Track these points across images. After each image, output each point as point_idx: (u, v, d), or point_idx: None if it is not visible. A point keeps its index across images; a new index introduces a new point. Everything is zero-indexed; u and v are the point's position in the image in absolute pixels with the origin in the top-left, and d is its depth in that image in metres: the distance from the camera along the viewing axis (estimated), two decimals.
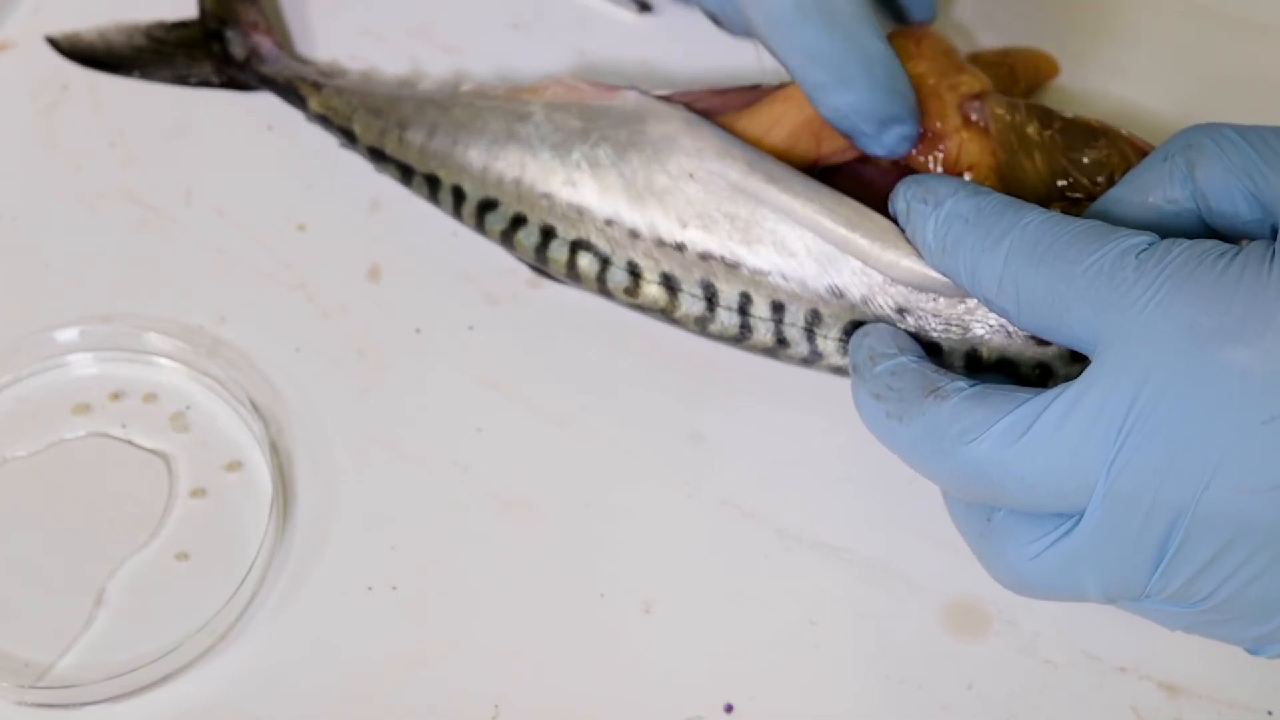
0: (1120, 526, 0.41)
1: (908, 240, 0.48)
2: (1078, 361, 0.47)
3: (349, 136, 0.57)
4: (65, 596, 0.50)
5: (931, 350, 0.49)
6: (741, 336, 0.52)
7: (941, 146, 0.51)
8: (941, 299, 0.48)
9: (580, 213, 0.52)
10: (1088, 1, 0.61)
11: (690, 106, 0.52)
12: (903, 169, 0.51)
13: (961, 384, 0.44)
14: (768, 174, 0.50)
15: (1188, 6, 0.61)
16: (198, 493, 0.52)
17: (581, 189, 0.52)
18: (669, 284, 0.52)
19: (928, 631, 0.50)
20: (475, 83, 0.56)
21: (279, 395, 0.54)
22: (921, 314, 0.49)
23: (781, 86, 0.52)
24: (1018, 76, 0.56)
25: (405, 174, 0.56)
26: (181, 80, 0.60)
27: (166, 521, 0.52)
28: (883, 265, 0.49)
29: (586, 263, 0.52)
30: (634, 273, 0.52)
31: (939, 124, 0.51)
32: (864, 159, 0.52)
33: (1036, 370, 0.49)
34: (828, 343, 0.50)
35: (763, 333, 0.51)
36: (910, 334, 0.49)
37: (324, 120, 0.58)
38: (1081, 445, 0.41)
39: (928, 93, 0.51)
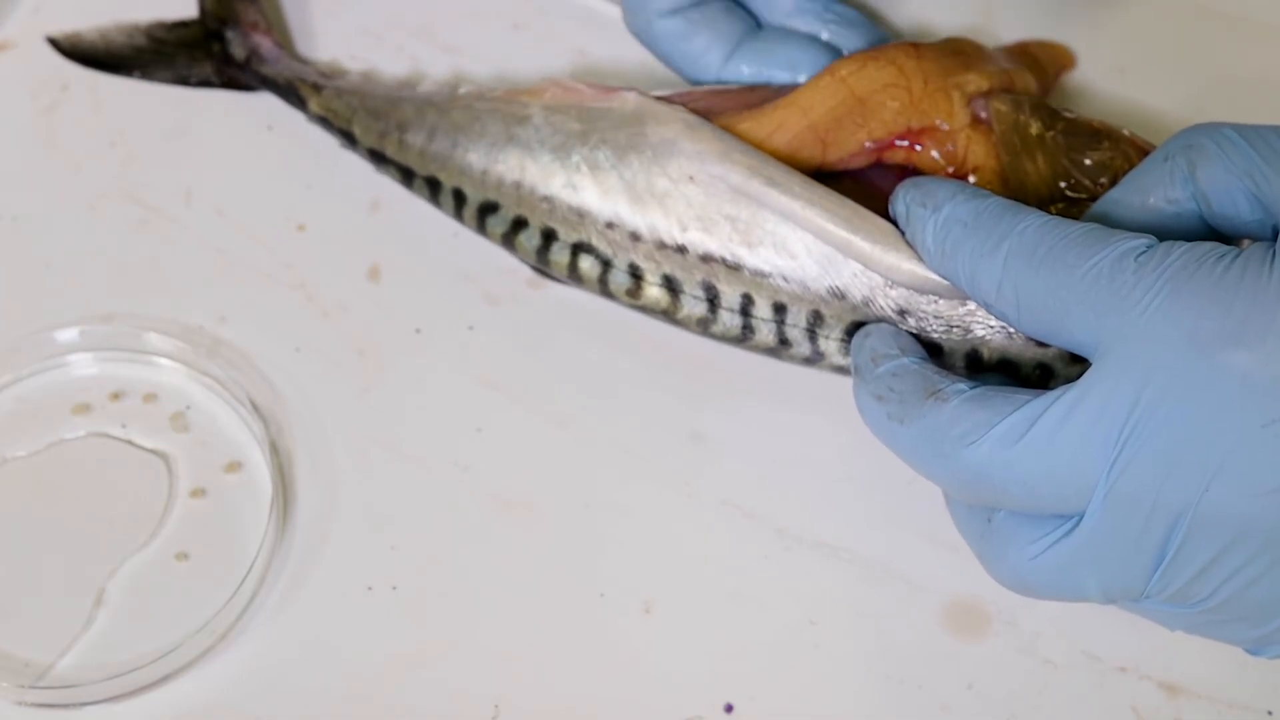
0: (1120, 528, 0.41)
1: (908, 243, 0.48)
2: (1079, 362, 0.47)
3: (349, 139, 0.57)
4: (65, 596, 0.50)
5: (933, 351, 0.49)
6: (744, 337, 0.52)
7: (948, 145, 0.51)
8: (942, 301, 0.48)
9: (581, 215, 0.52)
10: (1089, 1, 0.61)
11: (689, 107, 0.52)
12: (905, 171, 0.51)
13: (962, 386, 0.44)
14: (768, 177, 0.50)
15: (1189, 6, 0.61)
16: (198, 493, 0.52)
17: (582, 192, 0.52)
18: (671, 286, 0.52)
19: (928, 631, 0.50)
20: (474, 84, 0.56)
21: (279, 395, 0.54)
22: (923, 316, 0.49)
23: (785, 91, 0.52)
24: (1044, 67, 0.56)
25: (406, 176, 0.56)
26: (182, 81, 0.60)
27: (166, 521, 0.52)
28: (883, 268, 0.49)
29: (588, 265, 0.52)
30: (636, 275, 0.52)
31: (945, 123, 0.51)
32: (866, 164, 0.52)
33: (1038, 370, 0.49)
34: (830, 343, 0.50)
35: (765, 333, 0.51)
36: (912, 335, 0.49)
37: (324, 122, 0.58)
38: (1081, 448, 0.41)
39: (932, 91, 0.51)
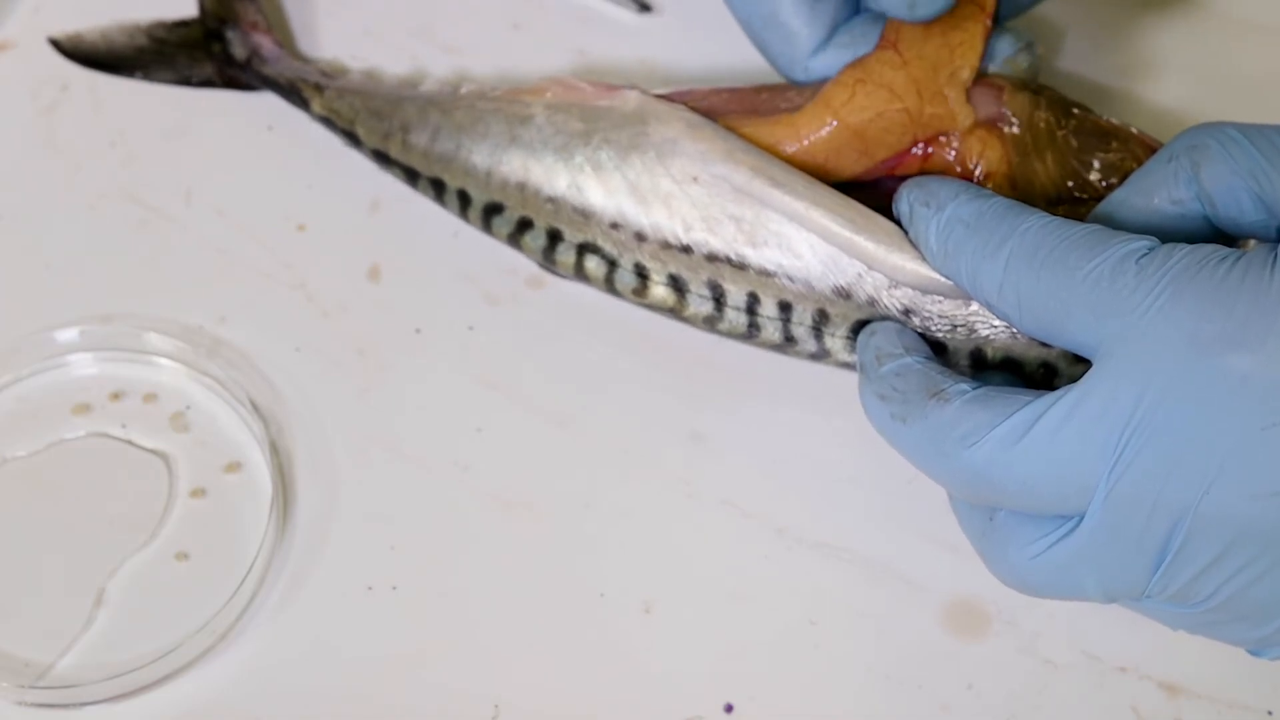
0: (1121, 529, 0.41)
1: (912, 243, 0.48)
2: (1082, 361, 0.47)
3: (353, 139, 0.57)
4: (65, 596, 0.50)
5: (937, 349, 0.49)
6: (750, 335, 0.52)
7: (955, 150, 0.50)
8: (946, 301, 0.48)
9: (586, 216, 0.52)
10: (1090, 0, 0.61)
11: (691, 106, 0.52)
12: (915, 170, 0.51)
13: (964, 386, 0.44)
14: (771, 178, 0.50)
15: (1192, 6, 0.61)
16: (198, 493, 0.52)
17: (586, 192, 0.52)
18: (677, 285, 0.52)
19: (928, 631, 0.50)
20: (476, 83, 0.56)
21: (279, 395, 0.54)
22: (927, 315, 0.49)
23: (786, 91, 0.52)
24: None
25: (411, 177, 0.56)
26: (184, 81, 0.60)
27: (166, 521, 0.52)
28: (888, 268, 0.49)
29: (594, 265, 0.52)
30: (641, 274, 0.52)
31: (951, 132, 0.50)
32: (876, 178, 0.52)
33: (1042, 369, 0.49)
34: (835, 341, 0.50)
35: (771, 331, 0.51)
36: (916, 333, 0.49)
37: (327, 122, 0.58)
38: (1082, 449, 0.41)
39: (930, 98, 0.50)
